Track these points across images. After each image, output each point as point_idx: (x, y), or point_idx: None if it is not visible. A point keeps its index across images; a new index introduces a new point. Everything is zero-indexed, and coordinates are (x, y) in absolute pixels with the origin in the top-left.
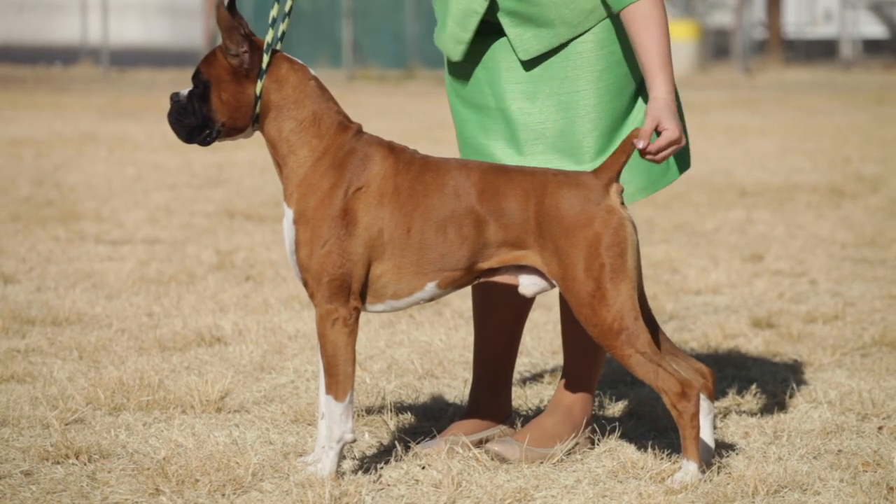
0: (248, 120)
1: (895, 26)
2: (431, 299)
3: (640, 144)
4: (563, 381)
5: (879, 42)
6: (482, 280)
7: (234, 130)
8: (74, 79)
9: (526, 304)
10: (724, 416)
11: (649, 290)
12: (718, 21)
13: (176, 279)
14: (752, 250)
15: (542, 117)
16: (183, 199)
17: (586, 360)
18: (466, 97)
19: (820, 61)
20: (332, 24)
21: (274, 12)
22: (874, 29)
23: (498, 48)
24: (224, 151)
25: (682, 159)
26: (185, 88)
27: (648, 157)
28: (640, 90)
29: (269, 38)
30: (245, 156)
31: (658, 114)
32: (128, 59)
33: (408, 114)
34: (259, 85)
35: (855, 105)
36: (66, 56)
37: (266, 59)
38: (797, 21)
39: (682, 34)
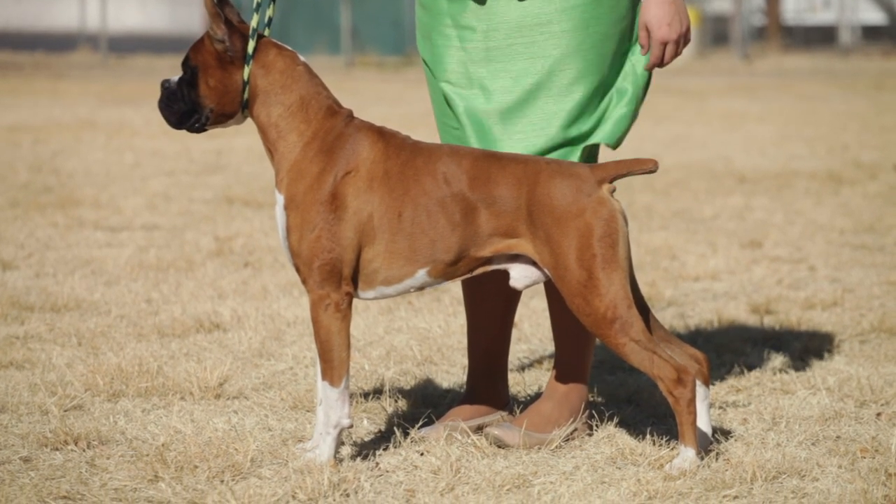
0: (237, 106)
1: (894, 13)
2: (422, 288)
3: (643, 52)
4: (557, 368)
5: (878, 28)
6: (475, 273)
7: (223, 116)
8: (72, 65)
9: (515, 291)
10: (723, 402)
11: (648, 277)
12: (717, 8)
13: (174, 266)
14: (751, 237)
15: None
16: (181, 185)
17: (578, 347)
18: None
19: (819, 48)
20: (331, 10)
21: None
22: (873, 15)
23: None
24: (222, 138)
25: (612, 132)
26: (176, 75)
27: (654, 66)
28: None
29: (253, 22)
30: (243, 142)
31: (646, 18)
32: (126, 45)
33: (406, 100)
34: (246, 70)
35: (854, 92)
36: (64, 43)
37: (252, 44)
38: (796, 7)
39: None
